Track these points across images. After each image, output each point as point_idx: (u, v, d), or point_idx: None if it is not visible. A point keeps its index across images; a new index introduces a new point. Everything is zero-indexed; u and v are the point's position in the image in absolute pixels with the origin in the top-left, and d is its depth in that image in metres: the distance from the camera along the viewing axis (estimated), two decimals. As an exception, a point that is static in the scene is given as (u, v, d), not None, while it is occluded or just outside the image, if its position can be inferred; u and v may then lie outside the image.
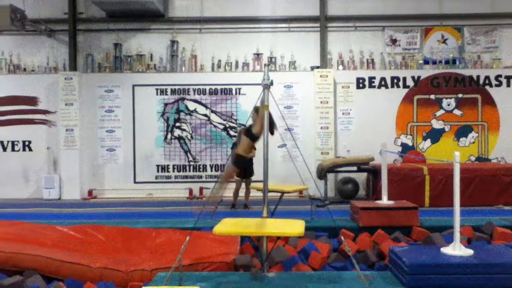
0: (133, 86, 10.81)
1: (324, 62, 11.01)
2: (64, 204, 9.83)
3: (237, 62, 11.04)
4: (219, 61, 11.04)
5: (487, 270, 4.01)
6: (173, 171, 10.79)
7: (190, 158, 10.79)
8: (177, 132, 10.81)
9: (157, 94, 10.81)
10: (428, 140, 10.82)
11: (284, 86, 10.72)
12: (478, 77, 10.78)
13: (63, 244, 5.43)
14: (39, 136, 10.82)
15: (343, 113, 10.81)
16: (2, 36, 11.14)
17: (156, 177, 10.77)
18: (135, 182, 10.76)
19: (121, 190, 10.62)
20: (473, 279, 3.96)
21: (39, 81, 10.87)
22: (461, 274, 3.99)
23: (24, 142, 10.84)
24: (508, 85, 10.73)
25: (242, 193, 8.81)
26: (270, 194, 5.73)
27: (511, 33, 11.07)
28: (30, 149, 10.84)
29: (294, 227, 4.40)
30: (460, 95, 10.77)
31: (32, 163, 10.79)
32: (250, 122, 7.00)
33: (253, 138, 6.69)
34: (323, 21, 11.04)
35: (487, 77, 10.77)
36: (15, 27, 10.03)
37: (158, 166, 10.78)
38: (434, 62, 11.03)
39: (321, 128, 10.57)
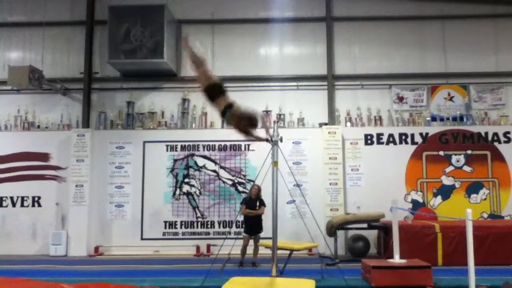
0: (144, 142, 10.98)
1: (332, 119, 11.17)
2: (70, 261, 9.69)
3: (246, 119, 11.20)
4: (229, 118, 11.23)
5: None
6: (181, 227, 10.69)
7: (198, 214, 10.72)
8: (185, 188, 10.82)
9: (167, 151, 10.95)
10: (439, 197, 10.70)
11: (293, 143, 10.81)
12: (486, 133, 10.82)
13: (67, 303, 5.32)
14: (49, 192, 10.89)
15: (352, 169, 10.80)
16: (20, 94, 11.53)
17: (164, 234, 10.66)
18: (142, 238, 10.65)
19: (127, 247, 10.48)
20: None
21: (52, 137, 11.12)
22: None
23: (33, 197, 10.90)
24: (517, 142, 10.76)
25: (250, 250, 8.66)
26: (279, 251, 5.65)
27: (517, 90, 11.25)
28: (39, 205, 10.88)
29: (304, 287, 4.30)
30: (469, 152, 10.76)
31: (40, 219, 10.79)
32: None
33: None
34: (330, 79, 11.32)
35: (495, 134, 10.81)
36: (33, 86, 10.43)
37: (165, 222, 10.70)
38: (442, 119, 11.13)
39: (330, 184, 10.52)
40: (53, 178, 11.00)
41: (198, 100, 11.43)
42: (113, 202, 10.80)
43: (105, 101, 11.55)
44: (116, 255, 10.32)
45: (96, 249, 10.47)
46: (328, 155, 10.63)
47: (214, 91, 4.98)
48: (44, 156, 11.04)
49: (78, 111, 11.48)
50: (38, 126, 11.42)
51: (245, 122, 4.80)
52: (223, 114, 4.89)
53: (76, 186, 10.59)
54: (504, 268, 8.16)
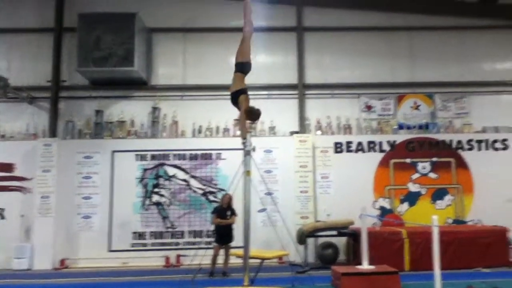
0: (113, 152, 10.80)
1: (303, 127, 11.28)
2: (35, 274, 9.40)
3: (217, 128, 11.22)
4: (200, 126, 11.22)
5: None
6: (150, 238, 10.51)
7: (168, 225, 10.58)
8: (155, 198, 10.68)
9: (136, 160, 10.80)
10: (406, 203, 10.92)
11: (264, 151, 10.84)
12: (451, 141, 11.14)
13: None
14: (13, 204, 10.51)
15: (322, 177, 10.91)
16: (-17, 103, 11.19)
17: (132, 245, 10.46)
18: (110, 250, 10.41)
19: (95, 259, 10.23)
20: None
21: (17, 147, 10.78)
22: None
23: (-3, 209, 10.56)
24: (480, 149, 11.09)
25: (220, 259, 8.61)
26: (249, 260, 5.65)
27: (480, 100, 11.62)
28: (3, 217, 10.51)
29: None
30: (434, 159, 11.05)
31: (3, 231, 10.37)
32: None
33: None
34: (301, 88, 11.46)
35: (459, 142, 11.14)
36: (-3, 94, 10.13)
37: (134, 233, 10.51)
38: (408, 127, 11.41)
39: (301, 192, 10.60)
40: (18, 189, 10.66)
41: (169, 108, 11.38)
42: (81, 213, 10.54)
43: (73, 110, 11.33)
44: (83, 268, 10.07)
45: (62, 261, 10.18)
46: (299, 163, 10.73)
47: (245, 68, 5.98)
48: (8, 167, 10.69)
49: (44, 120, 11.23)
50: (3, 136, 11.07)
51: (251, 113, 5.73)
52: (237, 92, 5.83)
53: (42, 197, 10.31)
54: (468, 271, 8.42)
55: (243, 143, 5.77)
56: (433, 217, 5.77)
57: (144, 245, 10.48)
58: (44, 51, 11.46)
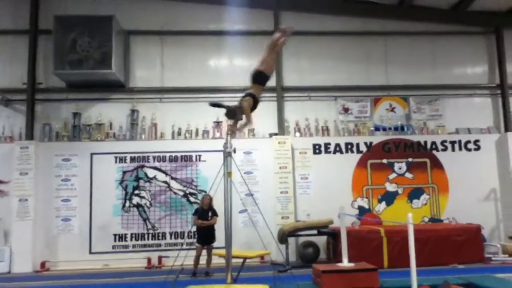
0: (91, 154, 10.72)
1: (282, 129, 11.43)
2: (14, 278, 9.24)
3: (197, 130, 11.26)
4: (179, 129, 11.23)
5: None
6: (131, 240, 10.48)
7: (149, 226, 10.57)
8: (135, 200, 10.65)
9: (115, 162, 10.75)
10: (383, 203, 11.20)
11: (244, 153, 10.94)
12: (425, 142, 11.48)
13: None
14: (-10, 207, 10.33)
15: (301, 178, 11.09)
16: (-44, 105, 10.94)
17: (113, 247, 10.41)
18: (90, 252, 10.33)
19: (76, 262, 10.14)
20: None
21: (-8, 150, 10.60)
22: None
23: (-28, 214, 10.32)
24: (453, 150, 11.48)
25: (203, 260, 8.66)
26: (232, 260, 5.73)
27: (452, 102, 12.02)
28: (-21, 221, 10.31)
29: (259, 291, 4.42)
30: (410, 159, 11.36)
31: (-20, 236, 10.20)
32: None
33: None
34: (279, 91, 11.60)
35: (433, 143, 11.49)
36: (-29, 97, 9.93)
37: (115, 235, 10.45)
38: (384, 129, 11.70)
39: (281, 192, 10.75)
40: (-6, 192, 10.46)
41: (148, 111, 11.36)
42: (60, 216, 10.43)
43: (50, 112, 11.19)
44: (63, 270, 9.96)
45: (43, 264, 10.05)
46: (279, 164, 10.87)
47: (262, 78, 6.17)
48: (-16, 170, 10.49)
49: (21, 123, 11.04)
50: (-22, 139, 10.87)
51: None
52: (249, 95, 5.98)
53: (20, 200, 10.15)
54: (444, 268, 8.69)
55: (224, 145, 5.80)
56: (408, 214, 5.94)
57: (126, 246, 10.43)
58: (19, 53, 11.25)
